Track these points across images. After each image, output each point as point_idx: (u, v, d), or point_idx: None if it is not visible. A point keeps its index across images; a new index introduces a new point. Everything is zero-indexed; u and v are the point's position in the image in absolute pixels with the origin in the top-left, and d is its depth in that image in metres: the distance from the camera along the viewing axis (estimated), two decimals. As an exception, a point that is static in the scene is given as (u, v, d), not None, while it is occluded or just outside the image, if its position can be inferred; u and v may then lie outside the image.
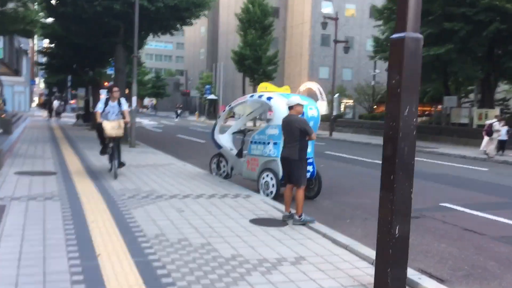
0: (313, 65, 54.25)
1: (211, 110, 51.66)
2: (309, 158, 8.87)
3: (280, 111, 8.39)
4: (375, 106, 43.95)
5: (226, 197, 8.00)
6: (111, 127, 9.41)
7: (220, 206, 7.32)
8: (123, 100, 9.93)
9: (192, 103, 71.96)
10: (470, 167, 15.76)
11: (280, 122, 8.38)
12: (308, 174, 8.78)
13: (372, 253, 5.20)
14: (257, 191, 8.69)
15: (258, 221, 6.51)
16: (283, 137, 6.82)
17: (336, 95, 36.44)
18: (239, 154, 9.88)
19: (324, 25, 30.81)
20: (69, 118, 39.31)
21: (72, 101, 58.69)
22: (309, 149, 8.91)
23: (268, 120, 8.58)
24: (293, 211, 6.72)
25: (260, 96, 8.99)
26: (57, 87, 59.37)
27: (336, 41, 30.07)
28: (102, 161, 11.82)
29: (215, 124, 10.43)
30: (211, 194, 8.17)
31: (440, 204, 8.99)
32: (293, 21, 57.50)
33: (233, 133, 10.18)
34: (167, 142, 21.12)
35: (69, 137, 19.61)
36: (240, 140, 10.02)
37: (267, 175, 8.56)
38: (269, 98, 8.72)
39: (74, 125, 29.18)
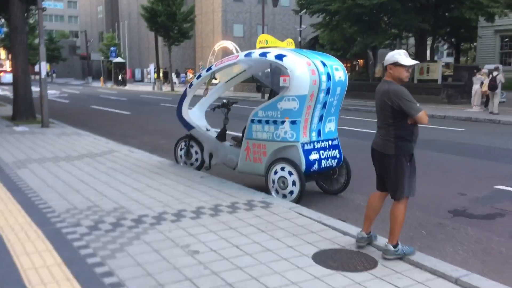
0: (226, 22, 50.97)
1: (119, 74, 46.86)
2: (334, 139, 6.42)
3: (298, 75, 5.74)
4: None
5: (238, 210, 5.28)
6: None
7: (242, 230, 4.63)
8: None
9: (94, 67, 65.62)
10: (445, 127, 14.21)
11: (300, 91, 5.79)
12: (335, 162, 6.35)
13: None
14: (266, 190, 6.11)
15: (325, 259, 3.97)
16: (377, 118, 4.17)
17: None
18: (221, 137, 7.16)
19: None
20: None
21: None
22: (331, 126, 6.48)
23: (281, 89, 5.87)
24: (370, 232, 4.30)
25: (263, 54, 6.17)
26: None
27: (263, -7, 27.28)
28: (16, 156, 8.44)
29: (183, 97, 7.51)
30: (212, 206, 5.39)
31: (494, 187, 6.99)
32: (201, -26, 53.38)
33: (214, 108, 7.36)
34: (85, 117, 17.45)
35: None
36: (223, 117, 7.27)
37: (282, 168, 5.95)
38: (279, 57, 5.94)
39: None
